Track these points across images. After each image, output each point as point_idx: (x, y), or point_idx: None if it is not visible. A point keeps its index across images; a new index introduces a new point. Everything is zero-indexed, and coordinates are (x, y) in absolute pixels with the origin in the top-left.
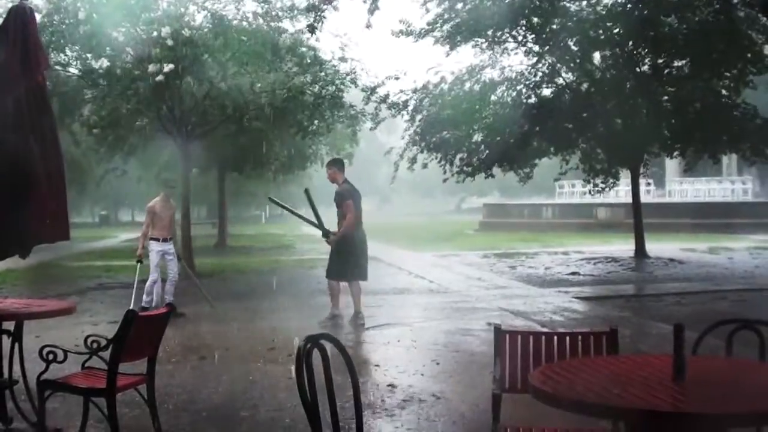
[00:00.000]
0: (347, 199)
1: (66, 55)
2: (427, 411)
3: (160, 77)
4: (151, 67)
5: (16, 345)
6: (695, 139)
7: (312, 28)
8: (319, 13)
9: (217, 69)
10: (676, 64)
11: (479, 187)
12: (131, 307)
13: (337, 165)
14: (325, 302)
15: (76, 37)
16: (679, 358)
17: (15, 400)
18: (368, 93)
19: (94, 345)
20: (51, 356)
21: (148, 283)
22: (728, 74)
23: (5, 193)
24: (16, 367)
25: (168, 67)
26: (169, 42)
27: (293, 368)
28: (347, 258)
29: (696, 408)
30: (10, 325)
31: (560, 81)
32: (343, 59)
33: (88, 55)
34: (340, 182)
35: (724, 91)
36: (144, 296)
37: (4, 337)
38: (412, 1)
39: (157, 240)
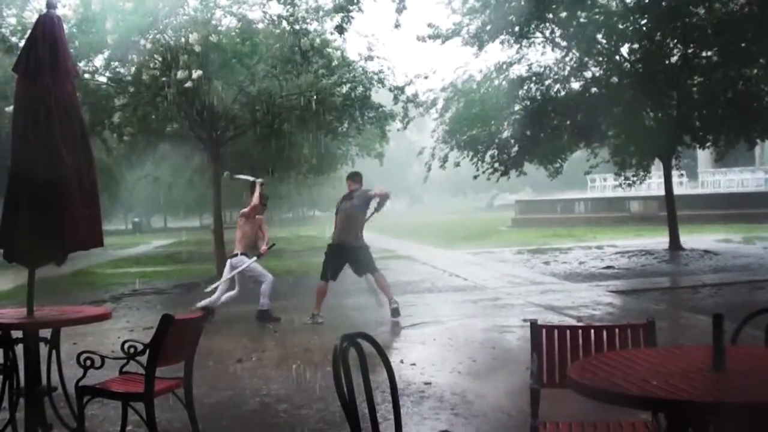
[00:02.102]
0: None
1: (94, 65)
2: (465, 408)
3: (188, 83)
4: (180, 74)
5: (54, 352)
6: (727, 127)
7: (341, 29)
8: (347, 14)
9: (246, 73)
10: (705, 54)
11: (511, 184)
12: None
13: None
14: (360, 303)
15: (104, 45)
16: (718, 348)
17: (54, 407)
18: (396, 92)
19: (131, 350)
20: (89, 362)
21: (264, 286)
22: (759, 62)
23: (39, 202)
24: (54, 375)
25: (196, 74)
26: (197, 48)
27: (330, 368)
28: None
29: (737, 398)
30: (47, 333)
31: (588, 74)
32: (370, 59)
33: (116, 63)
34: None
35: (754, 80)
36: (261, 299)
37: (42, 345)
38: (438, 2)
39: (246, 256)
